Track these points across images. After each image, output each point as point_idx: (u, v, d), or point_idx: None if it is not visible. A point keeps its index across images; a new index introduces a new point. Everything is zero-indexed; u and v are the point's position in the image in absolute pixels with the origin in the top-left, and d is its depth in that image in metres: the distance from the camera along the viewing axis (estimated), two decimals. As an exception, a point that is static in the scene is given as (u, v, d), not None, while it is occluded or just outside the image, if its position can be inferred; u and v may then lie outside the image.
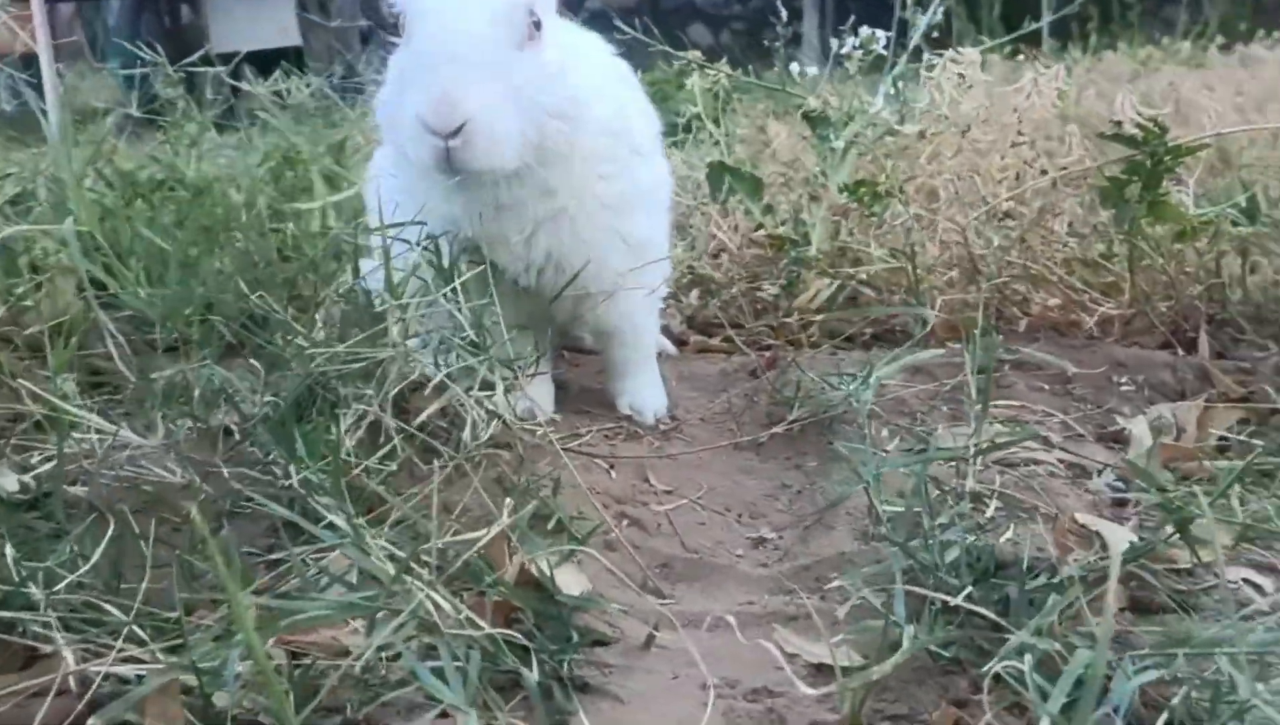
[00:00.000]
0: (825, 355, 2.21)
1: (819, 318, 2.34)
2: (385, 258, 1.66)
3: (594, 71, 1.72)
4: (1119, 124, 1.93)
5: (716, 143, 3.16)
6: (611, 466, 1.72)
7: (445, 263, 1.69)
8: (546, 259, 1.73)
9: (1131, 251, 2.05)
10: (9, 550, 1.30)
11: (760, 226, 2.67)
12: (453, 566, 1.30)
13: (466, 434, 1.56)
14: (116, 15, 10.65)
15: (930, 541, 1.31)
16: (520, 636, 1.18)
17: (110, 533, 1.35)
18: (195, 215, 3.03)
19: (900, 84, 2.87)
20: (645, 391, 1.97)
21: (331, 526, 1.41)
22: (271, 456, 1.63)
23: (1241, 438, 1.81)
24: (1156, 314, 2.14)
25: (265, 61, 12.67)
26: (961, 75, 2.23)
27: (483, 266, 1.69)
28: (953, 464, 1.64)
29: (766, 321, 2.37)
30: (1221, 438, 1.83)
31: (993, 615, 1.18)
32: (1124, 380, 2.06)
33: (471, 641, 1.14)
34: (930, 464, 1.63)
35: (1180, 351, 2.19)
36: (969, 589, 1.23)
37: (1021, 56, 3.83)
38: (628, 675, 1.21)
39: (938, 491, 1.55)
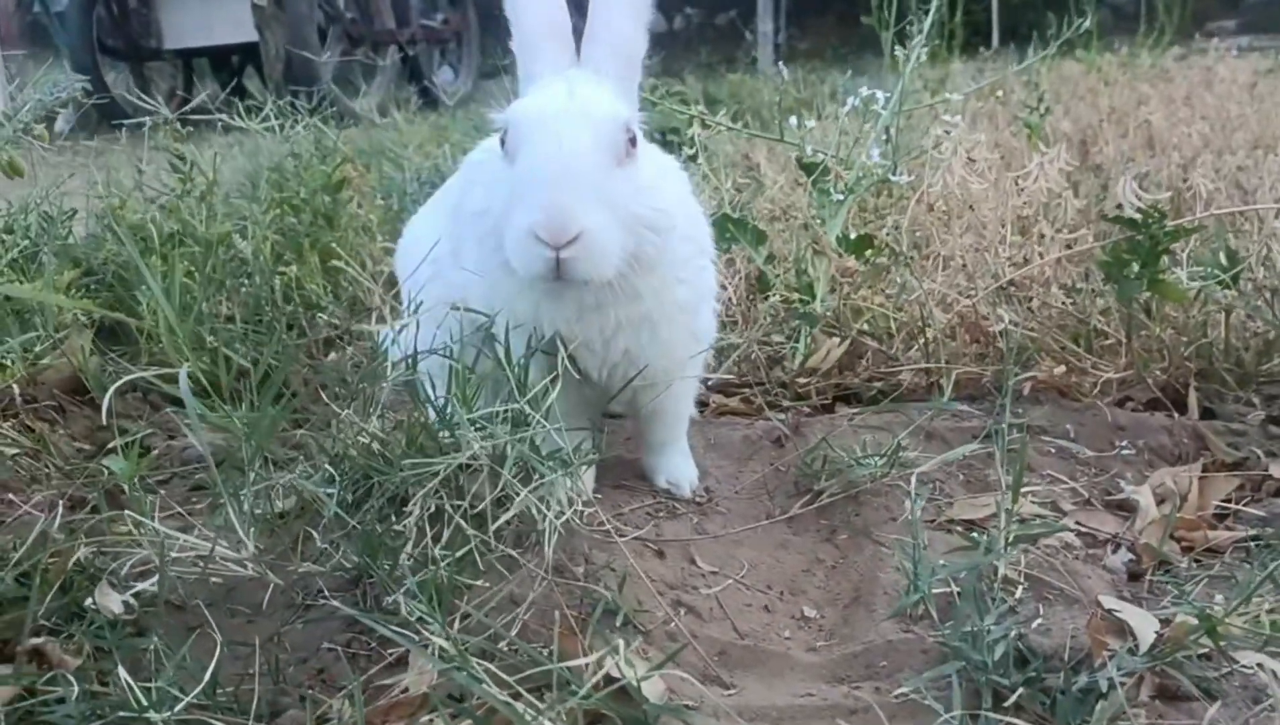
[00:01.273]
0: (843, 419, 2.31)
1: (838, 382, 2.46)
2: (450, 381, 1.73)
3: (675, 184, 1.85)
4: (1120, 207, 2.06)
5: (716, 187, 3.26)
6: (660, 551, 1.83)
7: (516, 357, 1.79)
8: (623, 357, 1.83)
9: (1129, 319, 2.19)
10: (124, 674, 1.38)
11: (762, 275, 2.79)
12: (531, 668, 1.41)
13: (548, 550, 1.64)
14: (66, 5, 10.49)
15: (980, 637, 1.43)
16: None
17: (217, 650, 1.43)
18: (207, 268, 3.09)
19: (891, 131, 3.00)
20: (680, 466, 2.07)
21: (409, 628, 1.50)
22: (342, 552, 1.72)
23: (1239, 508, 1.96)
24: (1150, 375, 2.28)
25: (217, 57, 12.45)
26: (971, 159, 2.35)
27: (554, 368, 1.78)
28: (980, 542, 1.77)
29: (781, 377, 2.48)
30: (1220, 506, 1.98)
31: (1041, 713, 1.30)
32: (1124, 443, 2.19)
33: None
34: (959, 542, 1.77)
35: (1172, 410, 2.33)
36: (1020, 690, 1.35)
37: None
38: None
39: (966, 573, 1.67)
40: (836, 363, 2.45)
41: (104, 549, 1.68)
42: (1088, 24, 3.25)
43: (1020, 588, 1.68)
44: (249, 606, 1.74)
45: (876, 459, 2.01)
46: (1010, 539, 1.69)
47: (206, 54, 11.70)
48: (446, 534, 1.67)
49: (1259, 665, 1.48)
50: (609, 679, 1.41)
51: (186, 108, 3.73)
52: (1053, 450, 2.19)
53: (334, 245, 3.70)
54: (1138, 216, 2.01)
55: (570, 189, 1.58)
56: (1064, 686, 1.36)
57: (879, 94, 2.79)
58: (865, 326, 2.65)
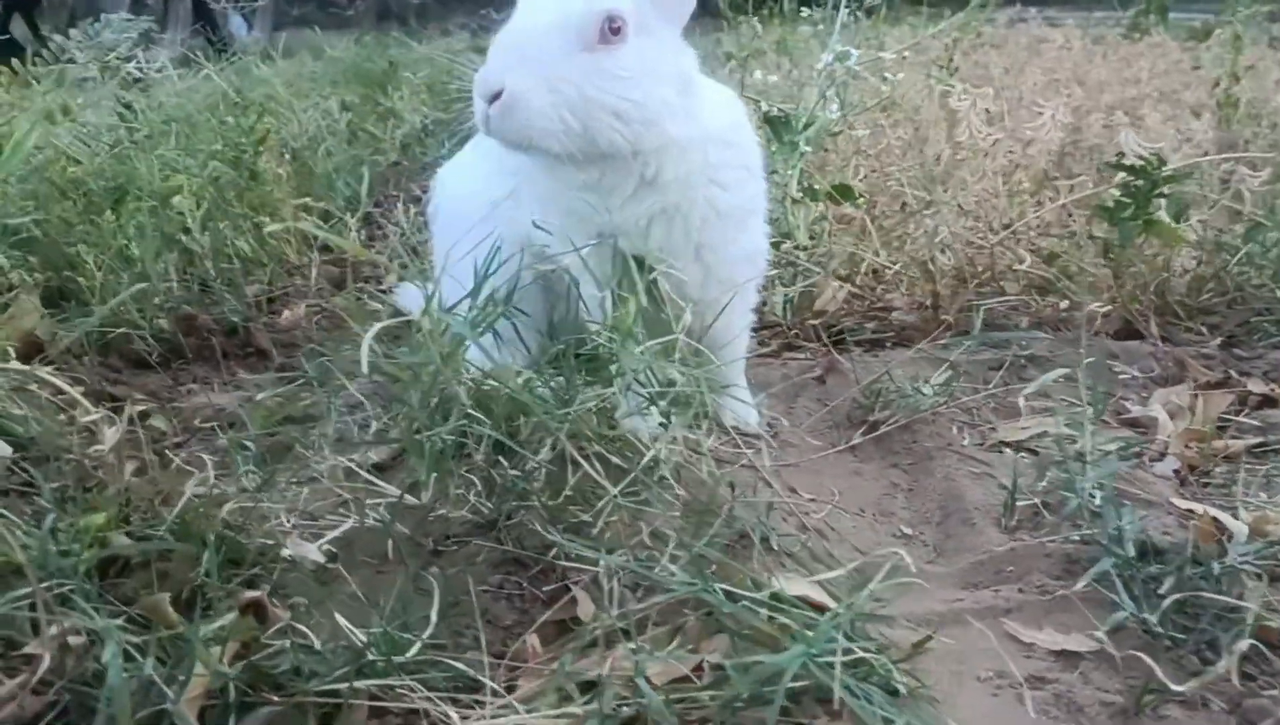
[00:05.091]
0: (868, 357, 2.45)
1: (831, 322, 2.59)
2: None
3: (709, 94, 1.89)
4: (1121, 155, 2.28)
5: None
6: (766, 480, 1.90)
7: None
8: (659, 252, 1.86)
9: (1120, 258, 2.41)
10: (342, 621, 1.35)
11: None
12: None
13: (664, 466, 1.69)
14: None
15: (1122, 536, 1.58)
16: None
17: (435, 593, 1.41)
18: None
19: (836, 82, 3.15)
20: (742, 404, 2.15)
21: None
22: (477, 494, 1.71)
23: (1237, 419, 2.21)
24: (1127, 309, 2.52)
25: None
26: (988, 110, 2.51)
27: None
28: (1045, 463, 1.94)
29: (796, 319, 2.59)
30: (1221, 419, 2.23)
31: (1212, 594, 1.46)
32: (1119, 369, 2.42)
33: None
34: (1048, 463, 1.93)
35: (1142, 339, 2.59)
36: (1169, 579, 1.52)
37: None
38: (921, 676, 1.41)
39: (1061, 490, 1.84)
40: (846, 305, 2.58)
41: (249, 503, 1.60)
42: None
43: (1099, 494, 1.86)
44: (373, 556, 1.71)
45: (930, 390, 2.15)
46: (1092, 457, 1.85)
47: None
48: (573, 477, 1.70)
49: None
50: (775, 598, 1.49)
51: None
52: (1059, 378, 2.39)
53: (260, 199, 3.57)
54: (1139, 163, 2.23)
55: (506, 52, 1.69)
56: (1204, 574, 1.53)
57: (852, 51, 2.92)
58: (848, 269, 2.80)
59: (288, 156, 4.10)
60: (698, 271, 1.87)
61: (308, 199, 3.91)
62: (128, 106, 3.00)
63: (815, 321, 2.58)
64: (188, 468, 1.65)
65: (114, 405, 2.30)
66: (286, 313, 3.15)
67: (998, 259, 2.45)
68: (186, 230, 3.10)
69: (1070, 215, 2.52)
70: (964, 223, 2.51)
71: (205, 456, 1.75)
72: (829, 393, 2.28)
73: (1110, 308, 2.51)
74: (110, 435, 1.37)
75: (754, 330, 2.66)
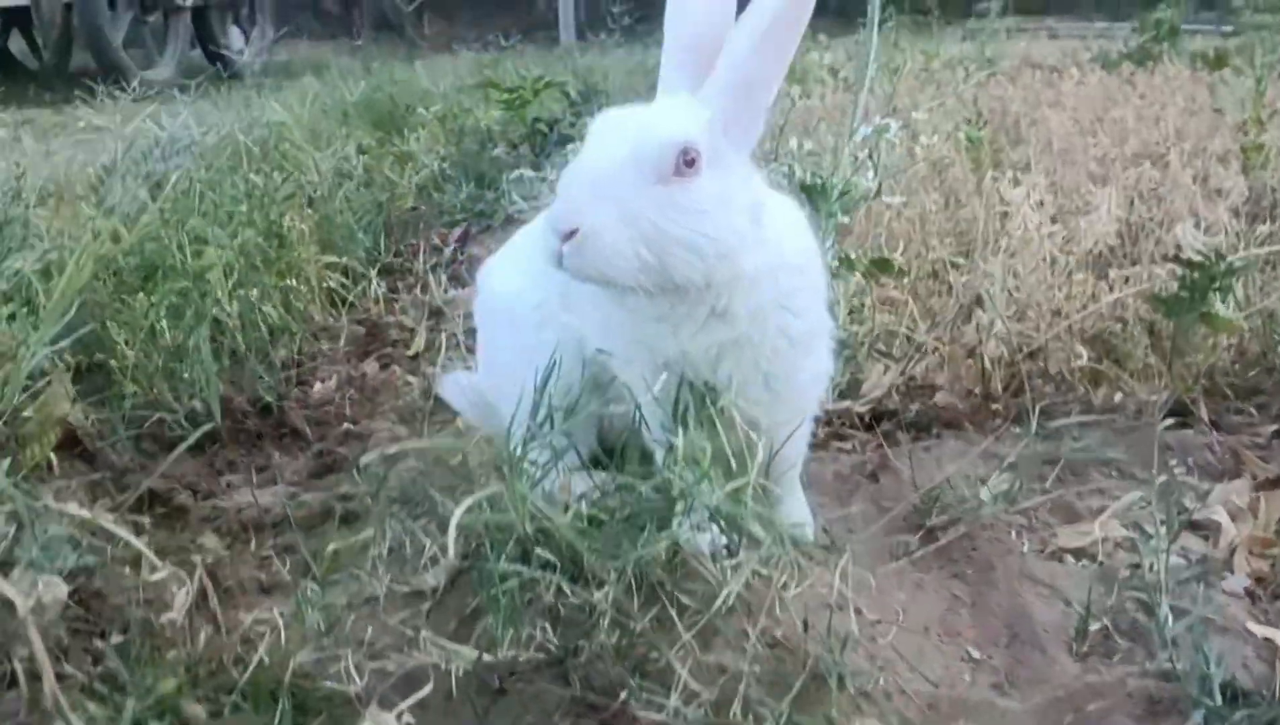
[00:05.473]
0: (919, 449, 2.41)
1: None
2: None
3: (780, 220, 1.85)
4: (1179, 249, 2.25)
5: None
6: (837, 604, 1.86)
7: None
8: (729, 382, 1.83)
9: (1174, 346, 2.39)
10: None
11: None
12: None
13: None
14: None
15: (1208, 680, 1.55)
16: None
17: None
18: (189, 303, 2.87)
19: (874, 149, 3.12)
20: (801, 511, 2.11)
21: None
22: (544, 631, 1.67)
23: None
24: (1183, 395, 2.49)
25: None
26: (1041, 201, 2.48)
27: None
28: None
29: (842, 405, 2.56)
30: (1281, 521, 2.19)
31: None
32: (1174, 462, 2.39)
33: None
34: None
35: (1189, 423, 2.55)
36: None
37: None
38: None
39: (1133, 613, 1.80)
40: (892, 390, 2.55)
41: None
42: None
43: (1169, 618, 1.82)
44: (436, 691, 1.67)
45: (990, 494, 2.12)
46: (1166, 582, 1.81)
47: None
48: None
49: None
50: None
51: None
52: (1115, 472, 2.36)
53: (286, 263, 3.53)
54: (1197, 258, 2.20)
55: (582, 187, 1.66)
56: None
57: (891, 123, 2.89)
58: (887, 347, 2.77)
59: (308, 208, 4.06)
60: (767, 399, 1.84)
61: (331, 256, 3.88)
62: (158, 185, 2.95)
63: (862, 409, 2.55)
64: (258, 622, 1.60)
65: (164, 513, 2.28)
66: (318, 386, 3.13)
67: (1051, 351, 2.42)
68: (217, 301, 3.07)
69: (1122, 305, 2.50)
70: (1013, 309, 2.48)
71: (271, 605, 1.71)
72: (882, 492, 2.25)
73: (1164, 395, 2.47)
74: (180, 600, 1.33)
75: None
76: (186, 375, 2.85)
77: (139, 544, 1.48)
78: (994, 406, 2.49)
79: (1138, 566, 2.01)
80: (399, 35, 16.54)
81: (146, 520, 2.18)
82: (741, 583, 1.62)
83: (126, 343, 2.79)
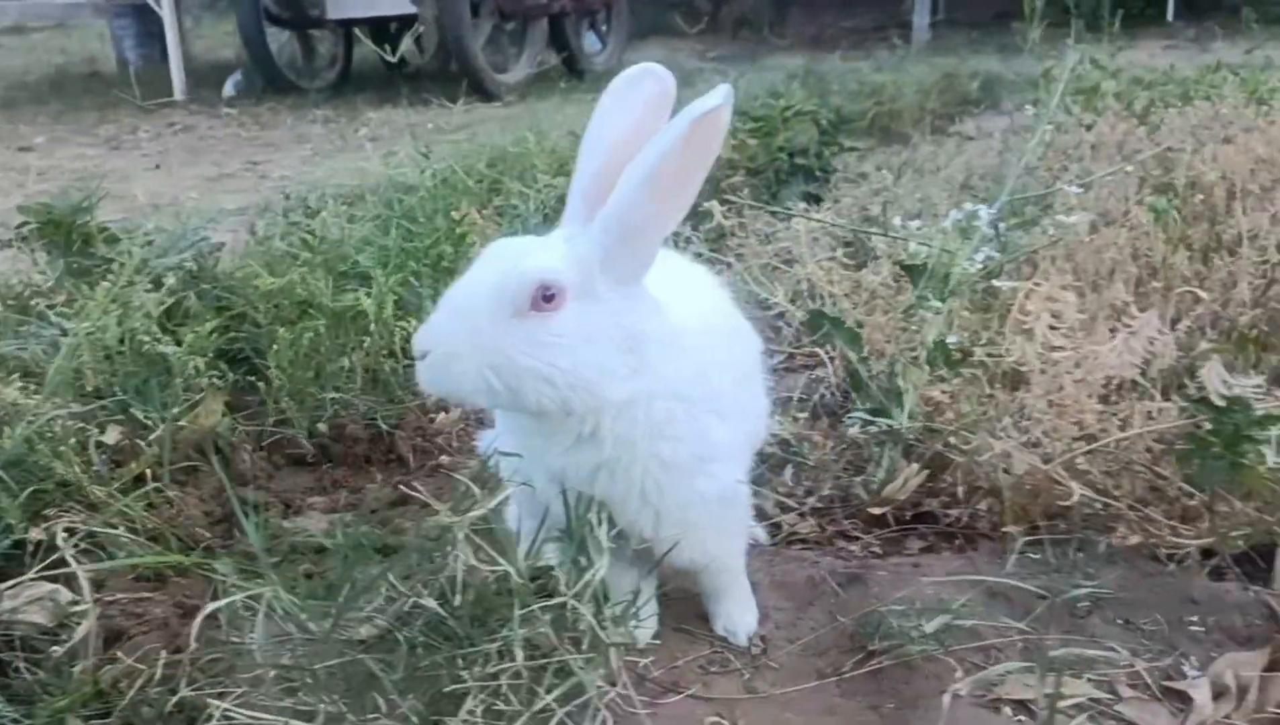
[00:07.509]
0: (909, 565, 2.35)
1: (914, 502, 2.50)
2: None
3: (669, 346, 1.87)
4: (1203, 391, 2.03)
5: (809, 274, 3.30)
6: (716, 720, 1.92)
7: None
8: (603, 505, 1.91)
9: (1213, 494, 2.16)
10: None
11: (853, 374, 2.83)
12: None
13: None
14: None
15: None
16: None
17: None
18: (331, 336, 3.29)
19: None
20: (737, 614, 2.16)
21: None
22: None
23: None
24: (1231, 545, 2.24)
25: (376, 27, 12.95)
26: (1054, 325, 2.33)
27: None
28: None
29: (859, 497, 2.53)
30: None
31: None
32: (1194, 619, 2.17)
33: None
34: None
35: (1247, 578, 2.28)
36: None
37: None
38: None
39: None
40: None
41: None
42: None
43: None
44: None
45: (928, 629, 2.05)
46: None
47: (367, 23, 12.16)
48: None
49: None
50: None
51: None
52: (1120, 620, 2.18)
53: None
54: (1222, 404, 1.98)
55: (445, 312, 1.79)
56: None
57: (982, 210, 2.76)
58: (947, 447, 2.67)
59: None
60: (648, 515, 1.91)
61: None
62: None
63: (879, 510, 2.50)
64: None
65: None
66: (443, 415, 3.45)
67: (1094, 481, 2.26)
68: (367, 331, 3.45)
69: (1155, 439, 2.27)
70: (1034, 434, 2.33)
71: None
72: (843, 605, 2.23)
73: (1210, 541, 2.24)
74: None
75: (820, 510, 2.65)
76: (320, 396, 3.26)
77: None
78: (1005, 531, 2.36)
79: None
80: (756, 34, 16.75)
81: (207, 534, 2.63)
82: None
83: (278, 366, 3.23)
